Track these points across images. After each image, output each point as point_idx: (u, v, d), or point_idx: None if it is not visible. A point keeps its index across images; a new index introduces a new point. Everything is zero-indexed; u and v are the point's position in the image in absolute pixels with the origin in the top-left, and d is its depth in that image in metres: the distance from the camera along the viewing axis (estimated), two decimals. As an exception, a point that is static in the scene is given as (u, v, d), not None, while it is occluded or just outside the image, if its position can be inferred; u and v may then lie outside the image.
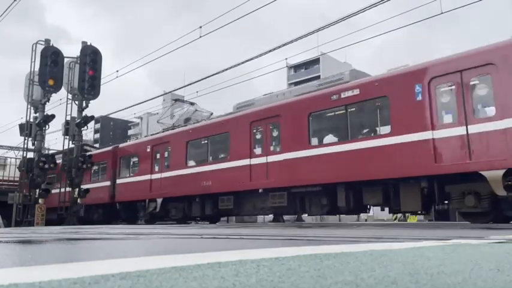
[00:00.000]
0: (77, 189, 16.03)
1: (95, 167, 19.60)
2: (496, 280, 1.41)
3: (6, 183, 24.62)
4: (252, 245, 3.77)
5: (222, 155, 14.20)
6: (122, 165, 18.81)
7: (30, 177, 15.93)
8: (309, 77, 61.66)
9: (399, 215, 21.03)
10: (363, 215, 25.99)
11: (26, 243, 4.60)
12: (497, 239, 3.32)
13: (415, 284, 1.32)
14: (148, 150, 16.98)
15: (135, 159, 18.15)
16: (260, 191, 12.51)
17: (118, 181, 18.45)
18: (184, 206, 15.43)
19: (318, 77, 59.91)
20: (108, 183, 18.98)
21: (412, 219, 21.00)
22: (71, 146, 16.51)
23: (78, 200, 16.05)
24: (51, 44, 16.50)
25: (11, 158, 27.64)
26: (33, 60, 16.43)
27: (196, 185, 14.35)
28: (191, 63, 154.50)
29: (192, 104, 18.74)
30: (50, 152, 22.66)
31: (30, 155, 16.76)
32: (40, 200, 15.88)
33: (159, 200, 15.98)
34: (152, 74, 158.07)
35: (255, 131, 13.02)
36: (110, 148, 20.56)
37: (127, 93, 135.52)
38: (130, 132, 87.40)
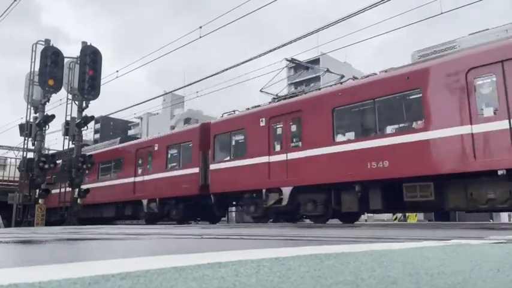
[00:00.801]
0: (77, 190, 16.02)
1: (173, 151, 16.69)
2: (496, 280, 1.41)
3: (6, 183, 24.65)
4: (252, 245, 3.77)
5: (404, 124, 10.36)
6: (218, 146, 14.81)
7: (30, 178, 15.94)
8: (310, 77, 61.78)
9: (399, 215, 21.03)
10: (363, 215, 25.91)
11: (26, 244, 4.60)
12: (497, 239, 3.32)
13: (415, 284, 1.32)
14: (263, 123, 12.97)
15: (240, 137, 14.16)
16: (501, 172, 8.56)
17: (212, 166, 14.49)
18: (330, 197, 11.45)
19: (318, 77, 60.04)
20: (195, 169, 15.10)
21: (412, 219, 21.00)
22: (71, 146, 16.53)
23: (78, 200, 16.05)
24: (51, 44, 16.53)
25: (11, 158, 27.70)
26: (33, 60, 16.47)
27: (354, 168, 10.51)
28: (191, 64, 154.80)
29: (307, 68, 15.27)
30: (50, 152, 22.67)
31: (30, 155, 16.80)
32: (40, 200, 15.89)
33: (287, 190, 11.99)
34: (152, 74, 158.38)
35: (478, 83, 8.95)
36: (196, 125, 17.08)
37: (126, 93, 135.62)
38: (130, 132, 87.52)
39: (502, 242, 3.02)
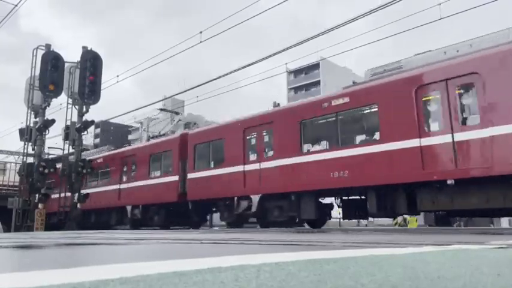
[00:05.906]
0: (77, 194, 15.99)
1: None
2: (496, 285, 1.40)
3: (5, 188, 24.63)
4: (252, 250, 3.76)
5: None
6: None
7: (30, 182, 15.92)
8: (309, 81, 61.86)
9: (399, 219, 21.00)
10: (363, 220, 25.87)
11: (26, 248, 4.59)
12: (498, 244, 3.32)
13: (415, 288, 1.31)
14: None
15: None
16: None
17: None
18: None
19: (318, 82, 60.09)
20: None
21: (413, 224, 20.96)
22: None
23: (78, 205, 16.01)
24: (51, 49, 16.57)
25: (11, 162, 27.68)
26: (33, 65, 16.49)
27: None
28: (187, 70, 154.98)
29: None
30: (50, 156, 22.65)
31: (30, 159, 16.78)
32: (40, 205, 15.86)
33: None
34: (144, 80, 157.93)
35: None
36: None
37: (118, 98, 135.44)
38: (130, 137, 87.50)
39: (502, 247, 3.02)
